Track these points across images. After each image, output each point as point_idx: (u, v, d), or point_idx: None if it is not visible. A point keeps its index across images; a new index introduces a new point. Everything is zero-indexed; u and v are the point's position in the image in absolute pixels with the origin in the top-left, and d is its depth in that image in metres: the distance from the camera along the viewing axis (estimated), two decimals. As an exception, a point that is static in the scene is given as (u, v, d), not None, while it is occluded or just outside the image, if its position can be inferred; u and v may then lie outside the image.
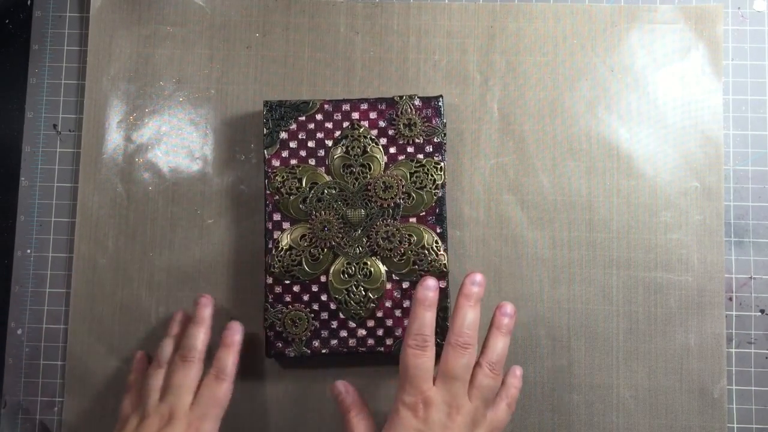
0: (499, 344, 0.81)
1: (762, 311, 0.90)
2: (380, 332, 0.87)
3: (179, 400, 0.81)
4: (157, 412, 0.81)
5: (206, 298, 0.88)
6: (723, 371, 0.89)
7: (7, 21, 0.95)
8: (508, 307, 0.83)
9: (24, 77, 0.93)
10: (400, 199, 0.86)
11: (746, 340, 0.90)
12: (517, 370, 0.85)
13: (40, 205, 0.92)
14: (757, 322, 0.90)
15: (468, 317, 0.79)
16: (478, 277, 0.81)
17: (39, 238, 0.92)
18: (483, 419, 0.78)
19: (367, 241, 0.87)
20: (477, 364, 0.80)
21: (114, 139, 0.92)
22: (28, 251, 0.92)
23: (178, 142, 0.92)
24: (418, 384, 0.77)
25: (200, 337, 0.85)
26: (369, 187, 0.87)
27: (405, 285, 0.87)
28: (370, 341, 0.87)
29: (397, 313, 0.87)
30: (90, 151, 0.92)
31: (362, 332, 0.87)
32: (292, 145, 0.88)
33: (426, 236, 0.87)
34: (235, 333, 0.86)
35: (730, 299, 0.90)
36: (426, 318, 0.79)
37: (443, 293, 0.87)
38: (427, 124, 0.88)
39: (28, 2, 0.95)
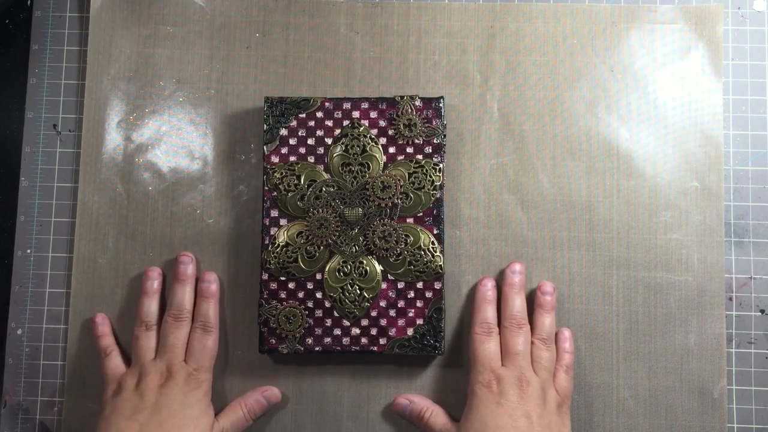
0: (546, 321, 0.88)
1: (762, 311, 0.90)
2: (374, 331, 0.87)
3: (175, 357, 0.87)
4: (156, 369, 0.86)
5: (187, 255, 0.91)
6: (723, 371, 0.89)
7: (7, 21, 0.95)
8: (548, 286, 0.90)
9: (24, 77, 0.94)
10: (398, 199, 0.86)
11: (746, 340, 0.90)
12: (566, 332, 0.90)
13: (40, 205, 0.92)
14: (757, 322, 0.90)
15: (516, 302, 0.88)
16: (518, 266, 0.90)
17: (39, 238, 0.92)
18: (550, 389, 0.85)
19: (363, 240, 0.87)
20: (531, 342, 0.88)
21: (114, 139, 0.92)
22: (28, 251, 0.92)
23: (178, 142, 0.92)
24: (489, 364, 0.85)
25: (187, 295, 0.90)
26: (367, 187, 0.87)
27: (400, 285, 0.87)
28: (364, 340, 0.87)
29: (392, 312, 0.87)
30: (90, 151, 0.92)
31: (356, 331, 0.87)
32: (292, 141, 0.88)
33: (423, 237, 0.87)
34: (212, 283, 0.91)
35: (730, 299, 0.90)
36: (489, 310, 0.88)
37: (438, 294, 0.87)
38: (427, 124, 0.88)
39: (28, 2, 0.95)
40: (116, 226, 0.92)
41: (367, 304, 0.87)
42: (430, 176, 0.87)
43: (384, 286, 0.87)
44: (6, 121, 0.94)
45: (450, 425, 0.86)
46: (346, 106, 0.88)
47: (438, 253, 0.86)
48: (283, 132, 0.88)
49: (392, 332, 0.87)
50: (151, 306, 0.90)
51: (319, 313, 0.87)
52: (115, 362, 0.88)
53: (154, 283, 0.90)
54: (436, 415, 0.87)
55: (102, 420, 0.83)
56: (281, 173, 0.87)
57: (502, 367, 0.85)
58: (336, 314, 0.87)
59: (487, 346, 0.86)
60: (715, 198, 0.90)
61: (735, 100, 0.92)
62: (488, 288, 0.89)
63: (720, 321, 0.89)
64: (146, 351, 0.87)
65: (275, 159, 0.88)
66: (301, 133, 0.88)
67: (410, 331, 0.87)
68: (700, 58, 0.92)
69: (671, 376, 0.89)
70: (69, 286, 0.91)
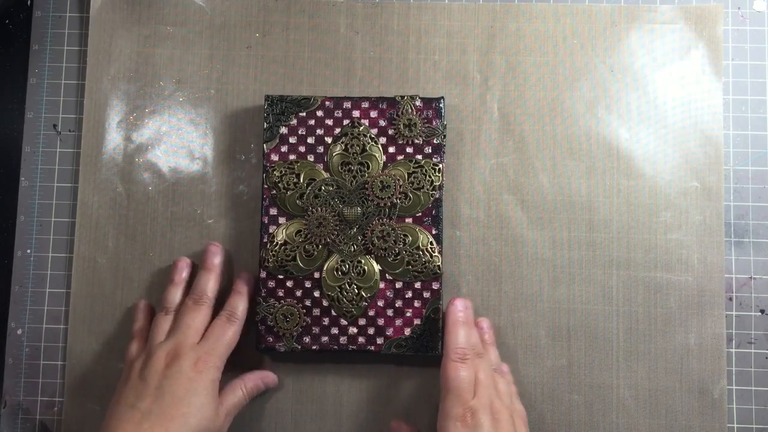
0: (493, 354, 0.89)
1: (762, 311, 0.90)
2: (371, 331, 0.87)
3: (186, 338, 0.84)
4: (163, 349, 0.83)
5: (216, 246, 0.91)
6: (723, 371, 0.89)
7: (7, 21, 0.95)
8: (485, 323, 0.90)
9: (24, 77, 0.94)
10: (397, 198, 0.86)
11: (746, 340, 0.90)
12: (504, 367, 0.89)
13: (40, 205, 0.92)
14: (757, 322, 0.90)
15: (471, 336, 0.86)
16: (460, 303, 0.88)
17: (39, 238, 0.92)
18: (516, 417, 0.82)
19: (362, 240, 0.87)
20: None
21: (114, 139, 0.92)
22: (28, 251, 0.92)
23: (178, 142, 0.93)
24: (463, 395, 0.80)
25: (211, 283, 0.89)
26: (366, 186, 0.87)
27: (398, 285, 0.87)
28: (361, 339, 0.87)
29: (389, 312, 0.87)
30: (90, 151, 0.92)
31: (353, 330, 0.87)
32: (292, 140, 0.88)
33: (421, 237, 0.87)
34: (248, 282, 0.89)
35: (730, 299, 0.90)
36: (461, 335, 0.85)
37: (436, 294, 0.87)
38: (427, 125, 0.88)
39: (28, 2, 0.95)
40: (116, 226, 0.92)
41: (364, 303, 0.87)
42: (430, 176, 0.87)
43: (382, 285, 0.87)
44: (6, 121, 0.94)
45: None
46: (347, 105, 0.88)
47: (436, 254, 0.86)
48: (283, 130, 0.88)
49: (389, 332, 0.87)
50: (176, 294, 0.89)
51: (316, 311, 0.87)
52: (133, 347, 0.87)
53: (183, 273, 0.90)
54: None
55: (108, 409, 0.81)
56: (280, 171, 0.87)
57: (474, 397, 0.81)
58: (334, 313, 0.87)
59: (463, 375, 0.81)
60: (715, 198, 0.90)
61: (735, 100, 0.92)
62: (459, 309, 0.87)
63: (720, 321, 0.89)
64: (160, 334, 0.86)
65: (275, 157, 0.88)
66: (301, 131, 0.88)
67: (407, 331, 0.86)
68: (700, 58, 0.92)
69: (671, 376, 0.89)
70: (69, 286, 0.91)
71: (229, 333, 0.85)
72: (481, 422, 0.78)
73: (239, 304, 0.87)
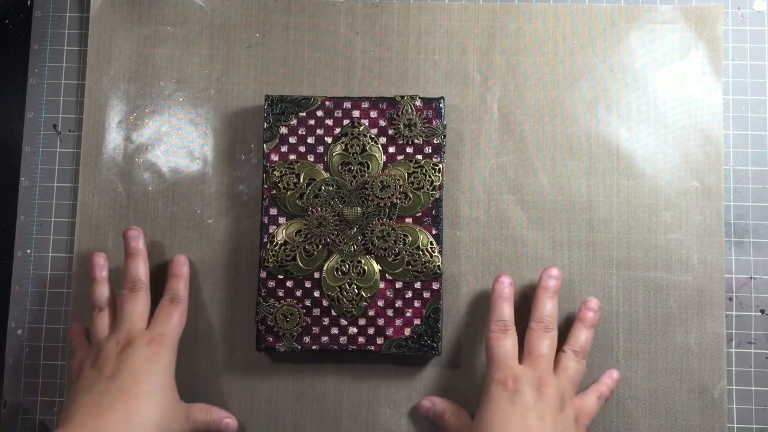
0: (583, 335, 0.86)
1: (762, 311, 0.90)
2: (371, 331, 0.87)
3: (133, 325, 0.84)
4: (113, 339, 0.83)
5: (135, 230, 0.89)
6: (723, 371, 0.88)
7: (7, 21, 0.95)
8: (593, 303, 0.88)
9: (24, 77, 0.94)
10: (396, 198, 0.86)
11: (746, 340, 0.89)
12: (614, 374, 0.89)
13: (40, 205, 0.92)
14: (757, 322, 0.90)
15: (547, 306, 0.86)
16: (555, 271, 0.87)
17: (39, 238, 0.92)
18: (570, 401, 0.82)
19: (362, 240, 0.87)
20: (561, 350, 0.86)
21: (114, 139, 0.92)
22: (28, 251, 0.92)
23: (178, 142, 0.92)
24: (505, 362, 0.82)
25: (141, 267, 0.87)
26: (366, 186, 0.87)
27: (398, 285, 0.87)
28: (361, 339, 0.87)
29: (389, 312, 0.87)
30: (90, 151, 0.92)
31: (353, 330, 0.87)
32: (292, 140, 0.88)
33: (421, 237, 0.87)
34: (183, 265, 0.89)
35: (730, 299, 0.90)
36: (505, 308, 0.86)
37: (436, 294, 0.87)
38: (427, 125, 0.88)
39: (28, 2, 0.95)
40: (116, 226, 0.92)
41: (364, 303, 0.87)
42: (430, 176, 0.87)
43: (382, 285, 0.87)
44: (6, 121, 0.94)
45: (465, 425, 0.84)
46: (347, 105, 0.88)
47: (436, 254, 0.86)
48: (283, 130, 0.88)
49: (389, 332, 0.86)
50: (102, 289, 0.88)
51: (316, 311, 0.87)
52: (77, 356, 0.86)
53: (103, 270, 0.89)
54: (454, 416, 0.86)
55: (64, 407, 0.80)
56: (280, 171, 0.87)
57: (521, 366, 0.82)
58: (334, 313, 0.87)
59: (503, 344, 0.83)
60: (715, 198, 0.90)
61: (735, 100, 0.92)
62: (505, 285, 0.86)
63: (720, 321, 0.89)
64: (102, 330, 0.85)
65: (275, 157, 0.88)
66: (301, 131, 0.88)
67: (407, 331, 0.86)
68: (700, 58, 0.92)
69: (671, 376, 0.89)
70: (69, 286, 0.91)
71: (175, 314, 0.85)
72: (521, 389, 0.79)
73: (179, 286, 0.88)
